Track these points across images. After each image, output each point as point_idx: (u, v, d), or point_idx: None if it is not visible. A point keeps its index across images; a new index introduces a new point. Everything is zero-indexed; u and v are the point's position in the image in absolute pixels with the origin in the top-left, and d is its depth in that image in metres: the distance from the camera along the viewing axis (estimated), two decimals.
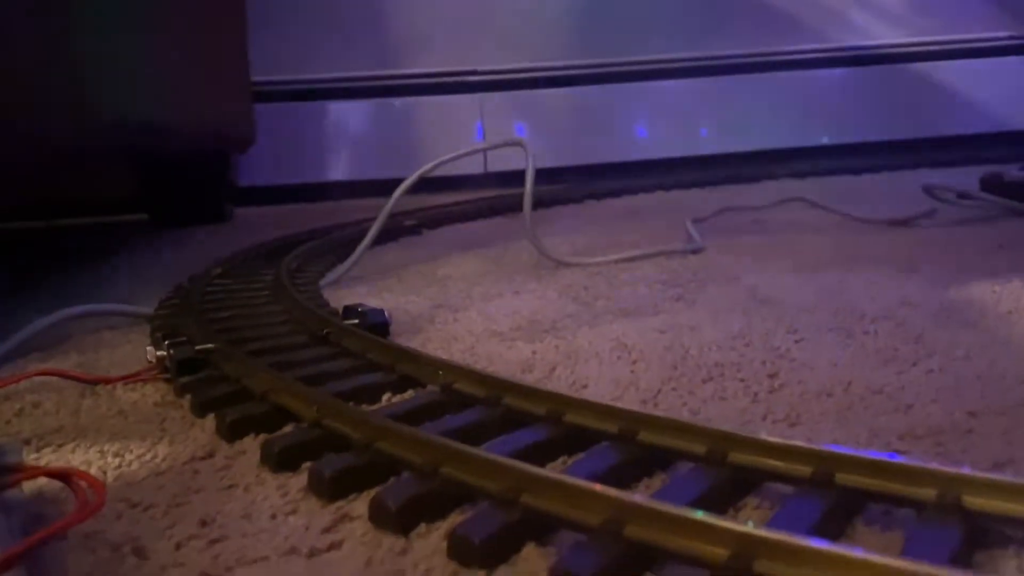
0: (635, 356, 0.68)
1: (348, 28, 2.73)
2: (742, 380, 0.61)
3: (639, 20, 2.81)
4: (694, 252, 1.15)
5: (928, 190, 1.43)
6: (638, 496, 0.36)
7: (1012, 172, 1.55)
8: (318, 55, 2.70)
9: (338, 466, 0.46)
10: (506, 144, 1.09)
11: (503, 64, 2.78)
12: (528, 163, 1.05)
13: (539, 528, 0.39)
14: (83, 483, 0.38)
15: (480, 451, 0.42)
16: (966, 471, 0.37)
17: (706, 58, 2.82)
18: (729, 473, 0.42)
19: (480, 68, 2.79)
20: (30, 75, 0.90)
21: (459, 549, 0.38)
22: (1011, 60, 2.92)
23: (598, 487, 0.37)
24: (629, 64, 2.79)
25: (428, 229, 1.64)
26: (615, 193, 2.20)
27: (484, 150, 1.15)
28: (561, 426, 0.49)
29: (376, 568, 0.39)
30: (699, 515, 0.34)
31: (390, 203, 1.08)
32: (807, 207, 1.46)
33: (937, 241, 1.17)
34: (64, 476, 0.39)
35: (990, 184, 1.53)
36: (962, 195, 1.46)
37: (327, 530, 0.42)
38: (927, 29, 2.91)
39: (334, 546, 0.41)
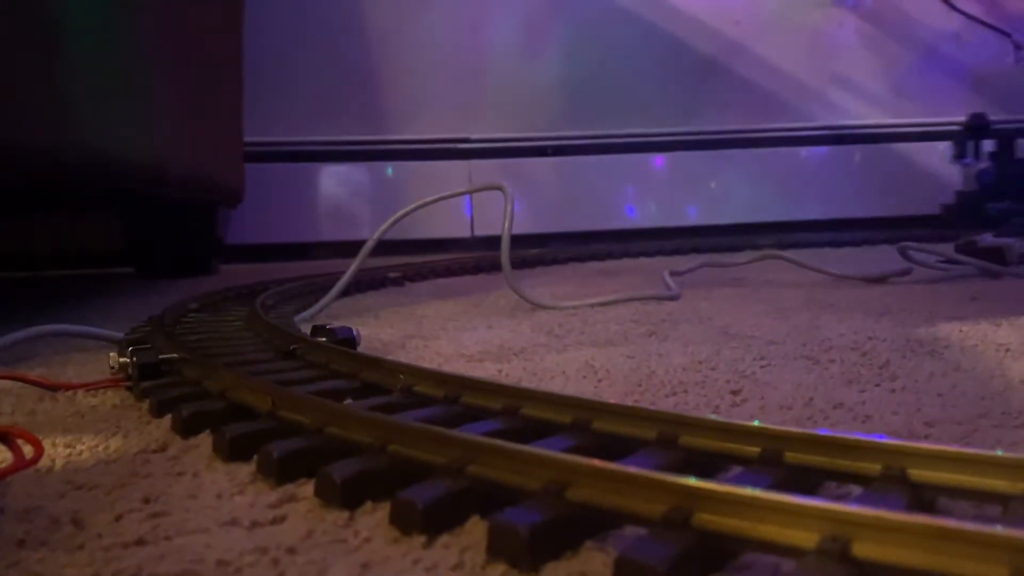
0: (600, 376, 0.68)
1: (342, 92, 2.79)
2: (704, 396, 0.61)
3: (627, 95, 2.88)
4: (670, 299, 1.16)
5: (903, 251, 1.45)
6: (577, 459, 0.36)
7: (986, 238, 1.58)
8: (311, 118, 2.76)
9: (287, 448, 0.45)
10: (487, 188, 1.11)
11: (494, 133, 2.84)
12: (507, 205, 1.06)
13: (486, 502, 0.39)
14: (21, 441, 0.37)
15: (427, 427, 0.42)
16: (911, 443, 0.37)
17: (692, 133, 2.89)
18: (681, 455, 0.42)
19: (471, 136, 2.85)
20: (12, 95, 0.92)
21: (401, 514, 0.37)
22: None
23: (540, 452, 0.37)
24: (617, 137, 2.86)
25: (411, 282, 1.65)
26: (598, 256, 2.23)
27: (466, 193, 1.17)
28: (518, 418, 0.49)
29: (318, 538, 0.38)
30: (636, 471, 0.33)
31: (372, 240, 1.09)
32: (785, 265, 1.47)
33: (910, 294, 1.18)
34: (1, 435, 0.39)
35: (964, 250, 1.55)
36: (938, 257, 1.48)
37: (272, 506, 0.42)
38: (907, 111, 2.99)
39: (277, 520, 0.40)
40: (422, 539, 0.36)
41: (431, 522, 0.37)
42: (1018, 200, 2.71)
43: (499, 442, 0.39)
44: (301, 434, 0.47)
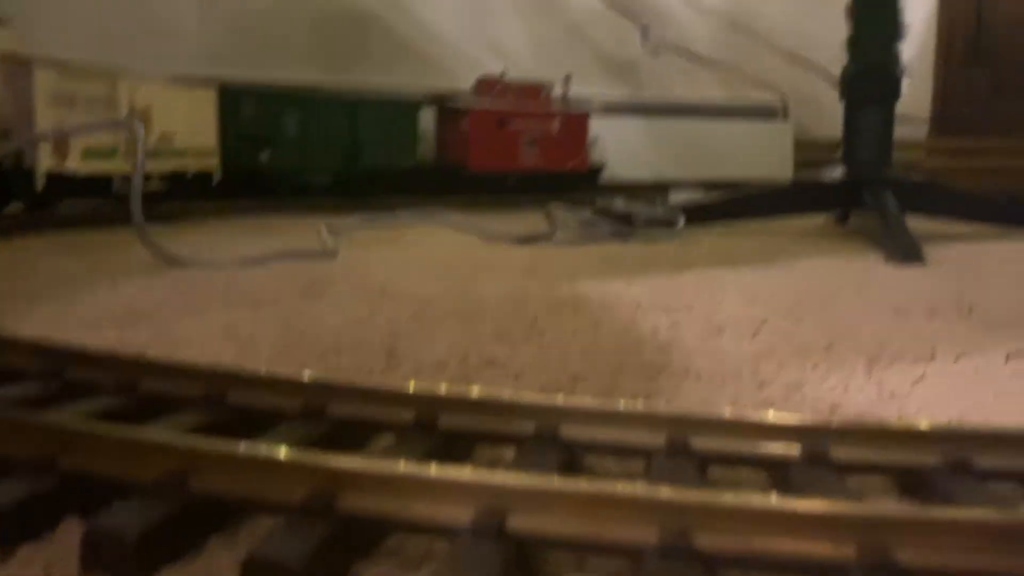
0: (243, 341, 0.62)
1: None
2: (360, 358, 0.58)
3: (277, 42, 2.75)
4: (327, 256, 1.11)
5: (548, 213, 1.55)
6: (201, 441, 0.30)
7: (618, 204, 1.74)
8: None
9: None
10: (114, 124, 0.97)
11: None
12: (139, 147, 0.94)
13: (86, 500, 0.31)
14: None
15: (3, 412, 0.33)
16: (561, 402, 0.36)
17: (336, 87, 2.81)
18: (329, 427, 0.38)
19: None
20: None
21: None
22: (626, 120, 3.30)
23: (155, 436, 0.31)
24: (261, 86, 2.69)
25: (22, 233, 1.41)
26: (248, 211, 2.10)
27: (89, 129, 1.01)
28: (136, 395, 0.41)
29: None
30: (270, 454, 0.29)
31: None
32: (444, 227, 1.49)
33: (555, 255, 1.25)
34: None
35: (600, 213, 1.70)
36: (580, 219, 1.60)
37: None
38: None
39: None
40: None
41: (9, 531, 0.29)
42: None
43: (102, 426, 0.32)
44: None
